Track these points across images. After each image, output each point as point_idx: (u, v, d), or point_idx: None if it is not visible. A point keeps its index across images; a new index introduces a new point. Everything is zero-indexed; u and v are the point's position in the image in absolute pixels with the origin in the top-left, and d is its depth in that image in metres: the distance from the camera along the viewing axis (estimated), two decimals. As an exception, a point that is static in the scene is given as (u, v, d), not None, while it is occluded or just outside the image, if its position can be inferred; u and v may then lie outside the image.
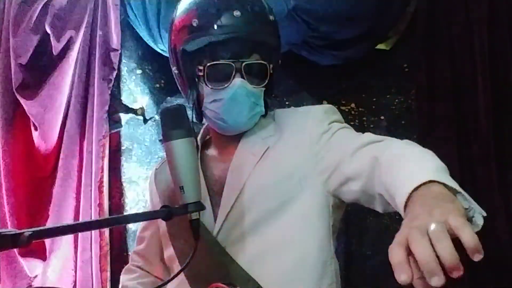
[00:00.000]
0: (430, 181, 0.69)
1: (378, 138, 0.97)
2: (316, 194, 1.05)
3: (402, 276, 0.54)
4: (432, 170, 0.73)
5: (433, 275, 0.53)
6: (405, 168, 0.77)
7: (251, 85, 1.05)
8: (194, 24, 1.05)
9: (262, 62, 1.07)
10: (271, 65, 1.09)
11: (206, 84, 1.06)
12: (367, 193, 0.94)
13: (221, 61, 1.04)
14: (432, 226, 0.56)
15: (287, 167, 1.06)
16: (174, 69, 1.13)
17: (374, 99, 1.83)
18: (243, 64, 1.04)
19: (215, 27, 1.03)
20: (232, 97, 1.04)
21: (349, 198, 1.02)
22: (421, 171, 0.72)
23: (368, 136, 1.00)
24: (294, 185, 1.04)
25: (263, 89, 1.09)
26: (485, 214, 0.65)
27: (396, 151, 0.87)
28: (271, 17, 1.08)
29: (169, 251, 1.16)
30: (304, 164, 1.05)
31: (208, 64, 1.05)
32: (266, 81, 1.08)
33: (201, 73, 1.06)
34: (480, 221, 0.65)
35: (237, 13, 1.02)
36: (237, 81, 1.04)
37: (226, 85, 1.04)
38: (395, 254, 0.56)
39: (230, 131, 1.11)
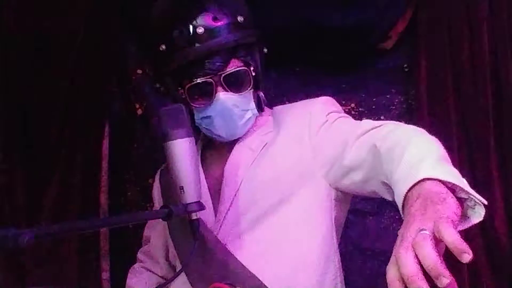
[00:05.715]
0: (424, 179, 0.67)
1: (376, 124, 0.94)
2: (317, 188, 1.03)
3: None
4: (428, 163, 0.71)
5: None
6: (401, 162, 0.75)
7: (235, 94, 1.04)
8: (161, 50, 1.03)
9: (241, 68, 1.04)
10: (251, 67, 1.07)
11: (190, 104, 1.06)
12: (371, 183, 0.91)
13: (199, 80, 1.02)
14: (417, 237, 0.56)
15: (286, 162, 1.05)
16: (162, 89, 1.13)
17: (374, 99, 1.82)
18: (222, 76, 1.02)
19: (183, 49, 1.01)
20: (219, 113, 1.03)
21: (353, 190, 1.00)
22: (416, 166, 0.70)
23: (366, 123, 0.97)
24: (294, 179, 1.03)
25: (251, 91, 1.08)
26: (485, 202, 0.64)
27: (394, 139, 0.83)
28: (240, 18, 1.04)
29: (172, 250, 1.17)
30: (304, 157, 1.04)
31: (187, 86, 1.03)
32: (251, 85, 1.07)
33: (183, 96, 1.06)
34: (481, 211, 0.64)
35: (200, 30, 1.00)
36: (220, 95, 1.02)
37: (210, 102, 1.03)
38: (389, 271, 0.57)
39: (228, 140, 1.11)
